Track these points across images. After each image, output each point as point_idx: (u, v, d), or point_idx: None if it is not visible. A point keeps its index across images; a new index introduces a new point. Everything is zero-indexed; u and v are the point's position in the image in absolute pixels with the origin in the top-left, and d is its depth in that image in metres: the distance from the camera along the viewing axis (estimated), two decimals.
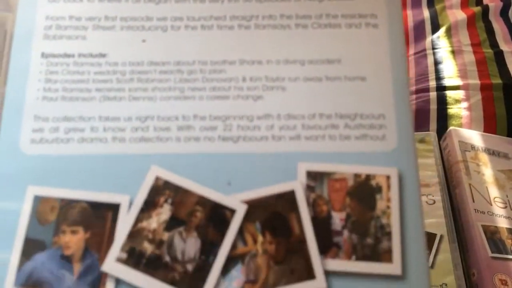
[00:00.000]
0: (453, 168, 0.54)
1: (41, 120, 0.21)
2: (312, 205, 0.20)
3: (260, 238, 0.20)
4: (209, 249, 0.19)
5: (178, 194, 0.20)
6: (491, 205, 0.49)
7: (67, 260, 0.20)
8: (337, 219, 0.20)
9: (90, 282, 0.19)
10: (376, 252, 0.20)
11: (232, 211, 0.20)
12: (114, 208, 0.20)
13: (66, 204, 0.20)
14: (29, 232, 0.20)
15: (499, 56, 0.68)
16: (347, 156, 0.21)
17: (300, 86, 0.22)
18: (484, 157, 0.54)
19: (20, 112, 0.21)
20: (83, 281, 0.19)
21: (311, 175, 0.21)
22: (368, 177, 0.21)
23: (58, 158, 0.21)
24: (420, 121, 0.61)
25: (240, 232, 0.20)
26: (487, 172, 0.53)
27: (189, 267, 0.19)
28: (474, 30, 0.74)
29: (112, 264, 0.19)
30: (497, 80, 0.64)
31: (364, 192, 0.21)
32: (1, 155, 0.21)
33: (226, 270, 0.19)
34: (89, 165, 0.21)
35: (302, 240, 0.20)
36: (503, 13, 0.77)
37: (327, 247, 0.20)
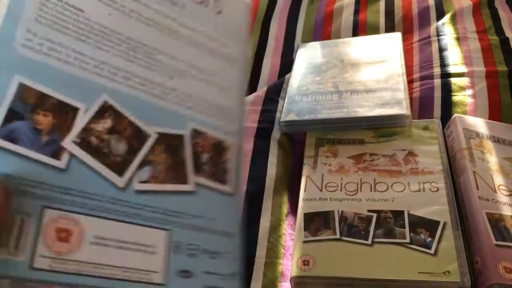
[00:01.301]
0: (457, 156, 0.53)
1: (31, 33, 0.28)
2: (193, 145, 0.33)
3: (163, 155, 0.31)
4: (132, 152, 0.30)
5: (117, 115, 0.30)
6: (496, 192, 0.48)
7: (38, 131, 0.27)
8: (205, 156, 0.33)
9: (52, 150, 0.27)
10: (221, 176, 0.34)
11: (149, 135, 0.31)
12: (75, 110, 0.29)
13: (43, 96, 0.28)
14: (12, 104, 0.27)
15: (505, 43, 0.67)
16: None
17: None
18: (488, 145, 0.53)
19: (16, 23, 0.28)
20: (47, 148, 0.27)
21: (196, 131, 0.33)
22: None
23: (41, 63, 0.28)
24: (424, 108, 0.61)
25: (152, 148, 0.31)
26: (492, 159, 0.52)
27: (119, 159, 0.30)
28: (479, 17, 0.72)
29: (70, 143, 0.28)
30: (503, 67, 0.63)
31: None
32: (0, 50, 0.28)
33: (140, 166, 0.30)
34: (63, 76, 0.29)
35: (185, 161, 0.32)
36: (509, 0, 0.76)
37: (197, 168, 0.33)
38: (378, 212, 0.48)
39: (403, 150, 0.54)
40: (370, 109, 0.57)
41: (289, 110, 0.61)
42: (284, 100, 0.63)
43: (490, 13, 0.73)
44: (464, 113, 0.59)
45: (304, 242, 0.47)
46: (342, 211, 0.49)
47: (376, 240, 0.46)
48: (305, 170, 0.55)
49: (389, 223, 0.47)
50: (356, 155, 0.55)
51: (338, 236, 0.47)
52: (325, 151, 0.56)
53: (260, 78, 0.71)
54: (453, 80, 0.62)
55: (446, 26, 0.72)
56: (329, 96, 0.62)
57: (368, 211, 0.48)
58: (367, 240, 0.46)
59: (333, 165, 0.54)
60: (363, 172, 0.53)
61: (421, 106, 0.61)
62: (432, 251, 0.44)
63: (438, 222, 0.46)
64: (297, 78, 0.67)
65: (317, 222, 0.49)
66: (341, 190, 0.51)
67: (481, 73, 0.62)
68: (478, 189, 0.48)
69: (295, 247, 0.47)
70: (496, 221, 0.46)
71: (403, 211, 0.47)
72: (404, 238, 0.45)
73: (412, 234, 0.45)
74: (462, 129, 0.54)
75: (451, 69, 0.64)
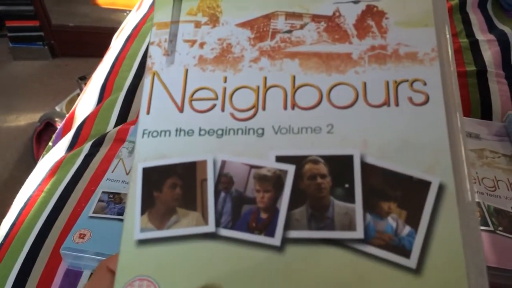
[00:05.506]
0: None
1: None
2: None
3: None
4: None
5: None
6: None
7: None
8: None
9: None
10: None
11: None
12: None
13: None
14: None
15: (474, 45, 0.72)
16: None
17: None
18: None
19: None
20: None
21: None
22: None
23: None
24: None
25: None
26: None
27: None
28: (451, 22, 0.77)
29: None
30: (472, 68, 0.67)
31: None
32: None
33: None
34: None
35: None
36: (481, 4, 0.80)
37: None
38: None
39: None
40: None
41: None
42: None
43: (461, 18, 0.77)
44: None
45: None
46: None
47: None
48: None
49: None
50: None
51: None
52: None
53: None
54: None
55: None
56: None
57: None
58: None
59: None
60: None
61: None
62: (412, 262, 0.22)
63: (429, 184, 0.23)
64: None
65: None
66: None
67: None
68: None
69: None
70: None
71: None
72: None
73: (370, 215, 0.23)
74: None
75: None
